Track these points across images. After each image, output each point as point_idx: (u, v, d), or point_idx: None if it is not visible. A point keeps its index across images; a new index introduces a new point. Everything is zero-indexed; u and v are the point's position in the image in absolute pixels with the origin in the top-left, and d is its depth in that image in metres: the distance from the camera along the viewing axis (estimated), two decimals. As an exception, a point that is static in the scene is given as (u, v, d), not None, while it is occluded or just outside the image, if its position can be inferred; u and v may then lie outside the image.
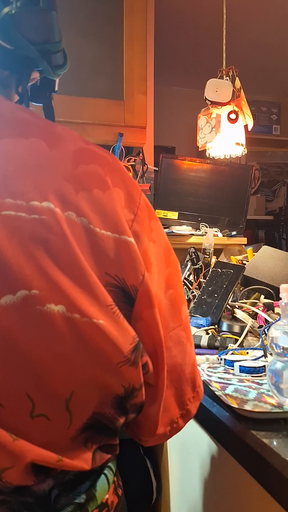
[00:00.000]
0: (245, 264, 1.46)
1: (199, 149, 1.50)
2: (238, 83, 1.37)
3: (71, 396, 0.44)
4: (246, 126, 1.42)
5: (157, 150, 2.17)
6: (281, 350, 0.65)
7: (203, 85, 1.55)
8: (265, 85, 3.25)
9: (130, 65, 1.55)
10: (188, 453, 0.93)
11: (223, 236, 1.72)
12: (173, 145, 3.44)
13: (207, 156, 1.53)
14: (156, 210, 1.75)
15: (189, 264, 1.26)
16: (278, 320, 0.98)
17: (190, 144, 3.13)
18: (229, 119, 1.39)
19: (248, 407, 0.63)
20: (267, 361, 0.89)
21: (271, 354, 0.91)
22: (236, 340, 1.02)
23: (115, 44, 1.63)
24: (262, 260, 1.25)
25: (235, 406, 0.64)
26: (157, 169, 1.88)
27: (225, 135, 1.40)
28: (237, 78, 1.37)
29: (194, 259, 1.27)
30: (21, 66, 0.54)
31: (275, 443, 0.54)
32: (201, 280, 1.31)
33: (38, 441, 0.43)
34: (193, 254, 1.26)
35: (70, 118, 1.54)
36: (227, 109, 1.40)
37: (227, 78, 1.39)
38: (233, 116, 1.39)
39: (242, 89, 1.37)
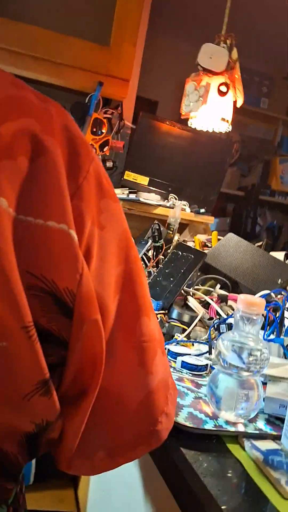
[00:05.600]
0: (208, 246, 1.43)
1: (182, 117, 1.40)
2: (235, 54, 1.26)
3: None
4: (235, 102, 1.33)
5: (139, 102, 2.03)
6: (227, 365, 0.62)
7: (198, 41, 1.42)
8: (262, 53, 3.10)
9: (123, 9, 1.39)
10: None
11: (191, 211, 1.66)
12: (156, 99, 3.27)
13: (189, 125, 1.44)
14: (126, 171, 1.66)
15: (150, 241, 1.20)
16: (229, 317, 0.96)
17: (174, 102, 2.98)
18: (219, 91, 1.29)
19: (181, 417, 0.61)
20: (210, 358, 0.88)
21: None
22: (184, 330, 1.00)
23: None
24: (225, 249, 1.22)
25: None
26: (134, 127, 1.76)
27: (212, 108, 1.31)
28: (235, 49, 1.26)
29: (156, 236, 1.21)
30: None
31: (202, 467, 0.51)
32: (160, 257, 1.26)
33: None
34: (156, 231, 1.20)
35: (48, 56, 1.38)
36: (219, 80, 1.29)
37: (224, 45, 1.28)
38: (223, 88, 1.29)
39: (238, 62, 1.27)
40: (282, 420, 0.65)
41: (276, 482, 0.49)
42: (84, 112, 1.51)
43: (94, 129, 1.53)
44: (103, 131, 1.57)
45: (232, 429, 0.60)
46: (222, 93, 1.29)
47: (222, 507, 0.44)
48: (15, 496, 0.47)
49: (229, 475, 0.50)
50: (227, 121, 1.37)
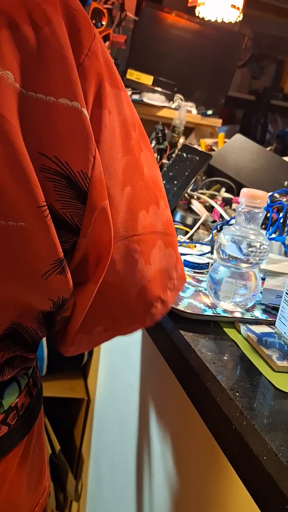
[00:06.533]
0: (214, 150, 1.38)
1: (189, 4, 1.27)
2: None
3: None
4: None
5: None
6: (227, 256, 0.64)
7: None
8: None
9: None
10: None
11: (198, 113, 1.58)
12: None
13: (197, 14, 1.31)
14: (129, 70, 1.55)
15: (153, 142, 1.16)
16: (232, 219, 0.96)
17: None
18: (230, -29, 1.15)
19: (181, 306, 0.64)
20: (212, 258, 0.89)
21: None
22: (187, 233, 1.01)
23: None
24: (232, 150, 1.18)
25: (170, 304, 0.64)
26: (137, 19, 1.62)
27: (221, -8, 1.19)
28: None
29: (160, 137, 1.17)
30: None
31: (199, 345, 0.55)
32: (164, 161, 1.23)
33: None
34: (160, 131, 1.15)
35: None
36: None
37: None
38: None
39: None
40: (278, 310, 0.68)
41: (268, 358, 0.52)
42: (82, 1, 1.38)
43: (93, 21, 1.41)
44: (103, 23, 1.44)
45: (229, 316, 0.63)
46: (233, -27, 1.16)
47: (218, 377, 0.48)
48: (33, 369, 0.51)
49: (224, 352, 0.54)
50: (238, 8, 1.25)
